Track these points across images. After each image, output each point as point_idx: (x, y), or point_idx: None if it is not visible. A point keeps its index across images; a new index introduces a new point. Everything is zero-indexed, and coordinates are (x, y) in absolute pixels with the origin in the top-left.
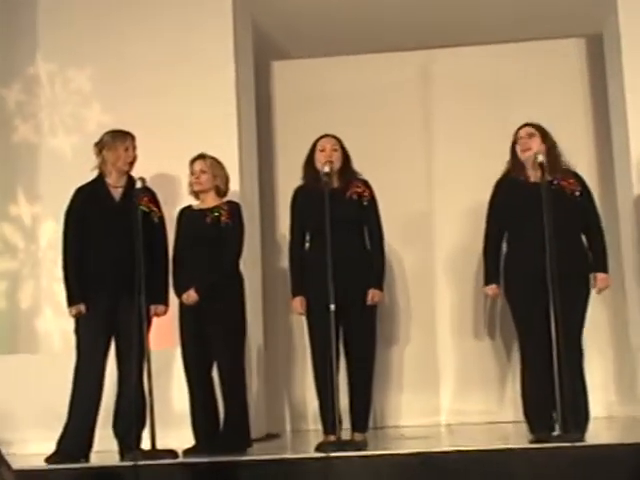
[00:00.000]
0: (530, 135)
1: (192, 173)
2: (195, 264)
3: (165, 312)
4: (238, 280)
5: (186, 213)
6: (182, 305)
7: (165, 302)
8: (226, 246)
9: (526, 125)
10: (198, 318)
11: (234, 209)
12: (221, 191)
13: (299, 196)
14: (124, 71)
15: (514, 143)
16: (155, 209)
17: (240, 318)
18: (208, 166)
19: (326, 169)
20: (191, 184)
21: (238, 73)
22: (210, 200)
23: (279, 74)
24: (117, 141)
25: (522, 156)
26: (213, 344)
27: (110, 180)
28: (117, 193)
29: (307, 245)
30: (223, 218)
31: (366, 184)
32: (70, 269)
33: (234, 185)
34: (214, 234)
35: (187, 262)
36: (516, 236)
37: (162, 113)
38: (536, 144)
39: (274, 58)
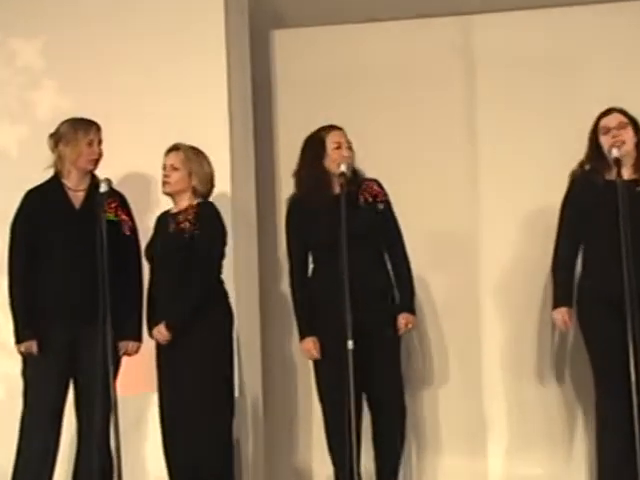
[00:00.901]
0: (622, 125)
1: (162, 169)
2: (166, 289)
3: (137, 350)
4: (215, 308)
5: (160, 219)
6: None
7: (137, 337)
8: (195, 264)
9: (613, 111)
10: (174, 357)
11: (203, 211)
12: (199, 193)
13: (296, 208)
14: (86, 42)
15: (595, 133)
16: (125, 217)
17: (217, 360)
18: (181, 161)
19: (343, 168)
20: (162, 183)
21: (229, 46)
22: (183, 203)
23: (281, 46)
24: (79, 133)
25: (613, 152)
26: (185, 394)
27: (68, 182)
28: (77, 198)
29: (310, 269)
30: (187, 225)
31: (378, 184)
32: (17, 295)
33: (224, 186)
34: (179, 248)
35: (160, 286)
36: (597, 250)
37: (133, 95)
38: (629, 137)
39: (274, 26)
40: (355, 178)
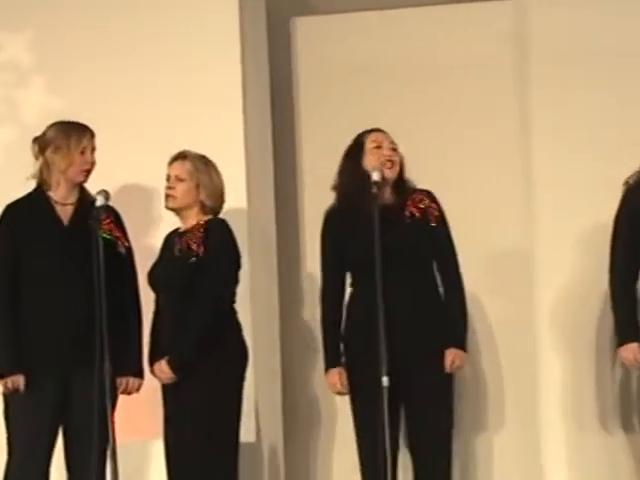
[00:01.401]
0: None
1: (167, 180)
2: (169, 320)
3: (139, 388)
4: (225, 343)
5: (167, 241)
6: None
7: (138, 372)
8: (198, 292)
9: None
10: (179, 399)
11: (211, 230)
12: (207, 209)
13: (332, 222)
14: (80, 34)
15: None
16: (120, 235)
17: (224, 404)
18: (188, 171)
19: (375, 176)
20: (165, 196)
21: (244, 36)
22: (189, 220)
23: (302, 36)
24: (71, 139)
25: None
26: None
27: (55, 194)
28: (66, 213)
29: (349, 292)
30: (193, 246)
31: (430, 196)
32: (1, 325)
33: (238, 200)
34: (184, 272)
35: (163, 316)
36: None
37: (133, 96)
38: None
39: (295, 13)
40: (403, 187)
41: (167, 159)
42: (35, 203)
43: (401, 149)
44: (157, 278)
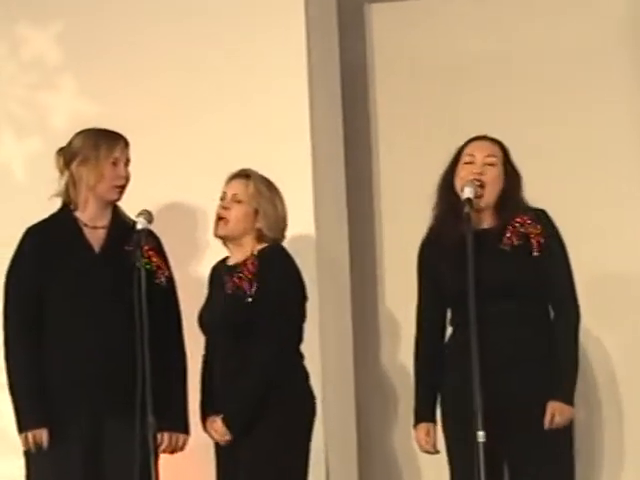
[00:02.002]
0: None
1: (220, 199)
2: (223, 369)
3: (184, 445)
4: (289, 395)
5: (214, 273)
6: None
7: (184, 427)
8: (257, 336)
9: None
10: (235, 459)
11: (266, 259)
12: (265, 239)
13: (427, 250)
14: (114, 29)
15: None
16: (161, 265)
17: (281, 463)
18: (248, 193)
19: (467, 192)
20: (216, 218)
21: (310, 26)
22: (242, 250)
23: (379, 25)
24: (100, 149)
25: None
26: None
27: (84, 216)
28: (97, 238)
29: (450, 331)
30: (244, 282)
31: (539, 219)
32: (19, 370)
33: (305, 226)
34: (238, 314)
35: (216, 364)
36: None
37: (176, 99)
38: None
39: None
40: (506, 209)
41: (216, 175)
42: (61, 226)
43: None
44: (208, 320)
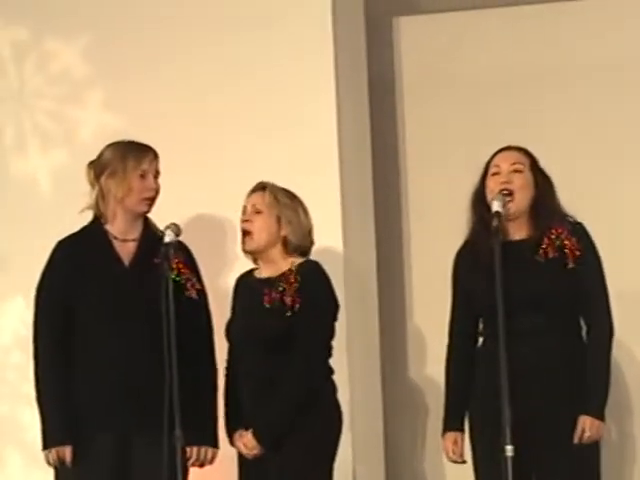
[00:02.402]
0: None
1: (242, 213)
2: (255, 383)
3: (213, 458)
4: (319, 409)
5: (241, 284)
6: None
7: (213, 441)
8: (297, 350)
9: None
10: (262, 474)
11: (306, 278)
12: (292, 247)
13: (461, 261)
14: (142, 42)
15: None
16: (190, 276)
17: (308, 478)
18: (267, 202)
19: (496, 206)
20: (241, 235)
21: (338, 39)
22: (273, 263)
23: (407, 37)
24: (128, 161)
25: None
26: None
27: (114, 229)
28: (127, 251)
29: (481, 342)
30: (287, 297)
31: (573, 230)
32: (47, 385)
33: (332, 240)
34: (278, 329)
35: (246, 377)
36: None
37: (203, 112)
38: None
39: (398, 12)
40: (541, 219)
41: (243, 188)
42: (91, 239)
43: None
44: (239, 332)
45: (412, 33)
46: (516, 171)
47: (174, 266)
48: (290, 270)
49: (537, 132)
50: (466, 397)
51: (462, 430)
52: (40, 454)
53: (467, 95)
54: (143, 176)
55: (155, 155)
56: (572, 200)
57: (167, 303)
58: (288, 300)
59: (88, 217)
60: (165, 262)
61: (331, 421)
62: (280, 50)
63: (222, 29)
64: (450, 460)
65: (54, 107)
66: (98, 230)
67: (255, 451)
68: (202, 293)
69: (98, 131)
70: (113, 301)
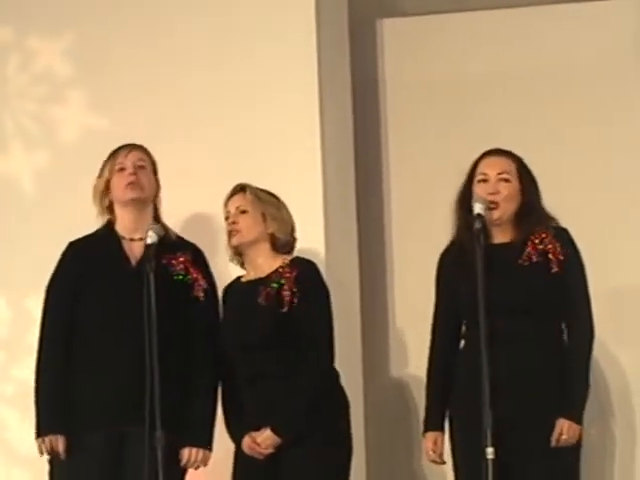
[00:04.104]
0: None
1: (226, 219)
2: (259, 382)
3: (206, 461)
4: (330, 405)
5: (229, 292)
6: (238, 451)
7: (208, 444)
8: (304, 348)
9: None
10: (271, 475)
11: (304, 273)
12: (280, 244)
13: (445, 264)
14: (125, 41)
15: None
16: (198, 277)
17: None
18: (250, 201)
19: (478, 208)
20: (228, 236)
21: (321, 41)
22: (262, 262)
23: (390, 39)
24: (108, 161)
25: None
26: None
27: (121, 227)
28: (134, 251)
29: (463, 344)
30: (285, 292)
31: (560, 236)
32: (45, 379)
33: (314, 243)
34: (278, 327)
35: (246, 380)
36: None
37: (188, 112)
38: None
39: (381, 14)
40: (525, 223)
41: (223, 191)
42: (101, 240)
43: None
44: (240, 334)
45: (395, 35)
46: (503, 180)
47: (180, 266)
48: (282, 267)
49: (521, 135)
50: (447, 398)
51: (442, 430)
52: (21, 452)
53: (450, 97)
54: (121, 170)
55: (134, 147)
56: (556, 201)
57: (149, 302)
58: (286, 295)
59: (69, 217)
60: (147, 263)
61: (341, 410)
62: (264, 51)
63: (206, 31)
64: (430, 460)
65: (37, 107)
66: (108, 231)
67: (271, 449)
68: (211, 295)
69: (81, 131)
70: (117, 300)
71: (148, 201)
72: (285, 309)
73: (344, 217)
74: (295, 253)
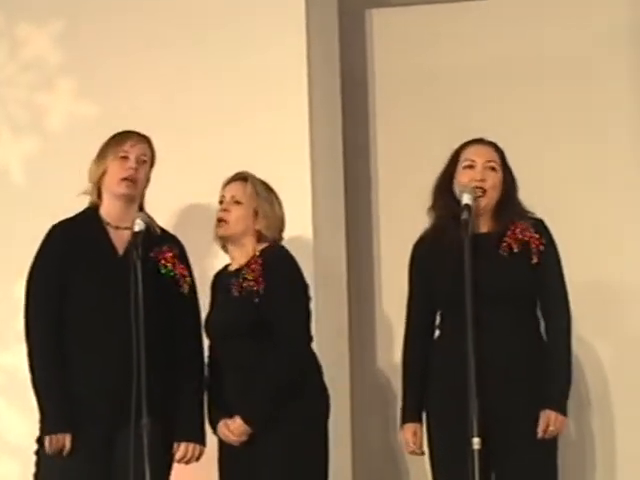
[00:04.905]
0: None
1: (220, 202)
2: (233, 373)
3: (200, 455)
4: (306, 390)
5: (217, 280)
6: (221, 443)
7: (200, 438)
8: (275, 333)
9: None
10: (247, 461)
11: (269, 260)
12: (265, 239)
13: (421, 252)
14: (115, 29)
15: None
16: (183, 271)
17: (311, 463)
18: (247, 194)
19: (466, 199)
20: (216, 221)
21: (311, 31)
22: (242, 253)
23: (380, 30)
24: (109, 145)
25: None
26: None
27: (106, 214)
28: (121, 240)
29: (436, 335)
30: (252, 284)
31: (536, 227)
32: (46, 372)
33: (302, 229)
34: (249, 317)
35: (224, 368)
36: None
37: (179, 100)
38: None
39: (370, 4)
40: (505, 214)
41: (212, 181)
42: (85, 225)
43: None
44: (216, 324)
45: (385, 25)
46: (491, 169)
47: (168, 260)
48: (254, 256)
49: (512, 126)
50: (423, 389)
51: (421, 422)
52: (9, 441)
53: (440, 88)
54: (124, 158)
55: (142, 140)
56: (533, 190)
57: (136, 291)
58: (252, 284)
59: (58, 204)
60: (134, 251)
61: (321, 398)
62: (253, 41)
63: (197, 19)
64: (409, 452)
65: (26, 94)
66: (92, 216)
67: (243, 437)
68: (193, 290)
69: (71, 119)
70: (104, 290)
71: (139, 195)
72: (257, 300)
73: (332, 205)
74: (284, 240)
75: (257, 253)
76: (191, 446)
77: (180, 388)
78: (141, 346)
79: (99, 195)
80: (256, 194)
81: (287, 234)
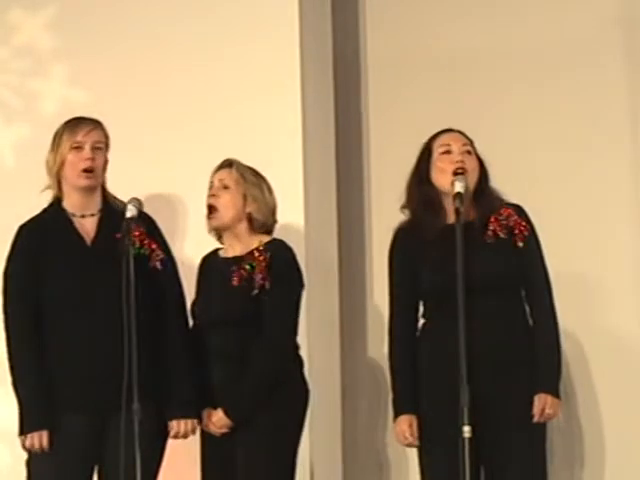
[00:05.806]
0: None
1: (209, 187)
2: (223, 361)
3: (194, 429)
4: (287, 384)
5: (206, 265)
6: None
7: (195, 412)
8: (265, 328)
9: None
10: (227, 451)
11: (276, 257)
12: (258, 224)
13: (401, 242)
14: (107, 15)
15: None
16: (153, 246)
17: (281, 455)
18: (234, 179)
19: (458, 187)
20: (207, 211)
21: (303, 13)
22: (239, 241)
23: (374, 14)
24: (63, 134)
25: None
26: None
27: (70, 205)
28: (88, 229)
29: (420, 324)
30: (257, 278)
31: (519, 212)
32: (25, 371)
33: (294, 217)
34: (244, 307)
35: (211, 356)
36: None
37: (169, 86)
38: None
39: None
40: (485, 200)
41: (205, 167)
42: (51, 220)
43: (485, 153)
44: (211, 312)
45: (378, 9)
46: (467, 152)
47: (135, 239)
48: (258, 249)
49: (506, 111)
50: (414, 378)
51: (415, 412)
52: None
53: (433, 72)
54: (78, 148)
55: (95, 126)
56: (520, 180)
57: (128, 278)
58: (258, 278)
59: (49, 190)
60: (127, 237)
61: (298, 398)
62: (245, 26)
63: (187, 8)
64: (404, 444)
65: (18, 80)
66: (57, 209)
67: (224, 429)
68: (170, 262)
69: (62, 105)
70: (77, 280)
71: (99, 183)
72: (255, 292)
73: (324, 192)
74: (276, 227)
75: (262, 246)
76: (183, 422)
77: (169, 366)
78: (132, 332)
79: (60, 187)
80: (243, 179)
81: (278, 222)
